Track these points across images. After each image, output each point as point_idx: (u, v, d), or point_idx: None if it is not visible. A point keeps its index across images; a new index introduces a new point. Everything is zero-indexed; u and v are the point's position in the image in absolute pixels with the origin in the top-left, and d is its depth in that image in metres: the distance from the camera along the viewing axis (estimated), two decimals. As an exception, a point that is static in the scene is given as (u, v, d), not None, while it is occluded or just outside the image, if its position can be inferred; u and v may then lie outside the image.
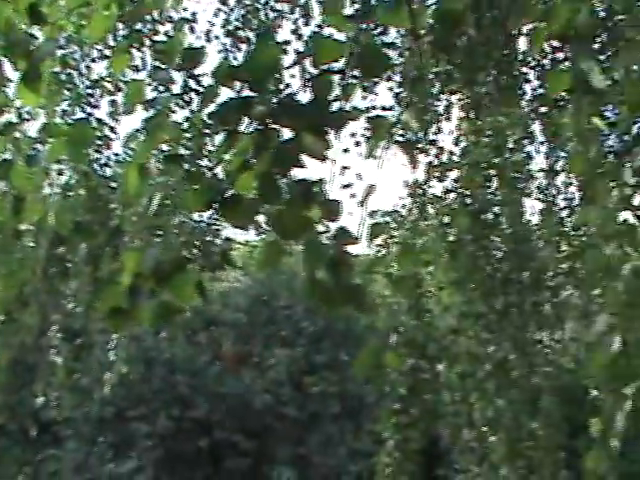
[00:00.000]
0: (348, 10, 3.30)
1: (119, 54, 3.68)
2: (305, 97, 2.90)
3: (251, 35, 9.02)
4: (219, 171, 3.04)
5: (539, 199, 8.41)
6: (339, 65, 2.90)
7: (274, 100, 2.83)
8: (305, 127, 2.73)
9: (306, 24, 8.98)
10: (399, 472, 8.59)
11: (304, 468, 15.45)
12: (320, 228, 2.95)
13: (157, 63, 7.04)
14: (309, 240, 2.86)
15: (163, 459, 14.87)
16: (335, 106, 2.95)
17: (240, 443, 15.34)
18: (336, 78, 2.94)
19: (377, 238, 5.12)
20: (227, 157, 2.87)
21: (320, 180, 2.86)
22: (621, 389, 4.08)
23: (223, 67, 2.96)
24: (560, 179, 8.38)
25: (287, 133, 2.87)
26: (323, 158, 2.80)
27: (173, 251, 3.35)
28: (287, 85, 7.59)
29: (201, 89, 8.64)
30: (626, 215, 5.37)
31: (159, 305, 3.24)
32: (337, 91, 2.97)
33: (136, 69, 8.69)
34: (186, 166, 3.37)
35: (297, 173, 2.96)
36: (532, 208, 8.43)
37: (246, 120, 2.86)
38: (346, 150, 8.11)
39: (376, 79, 7.55)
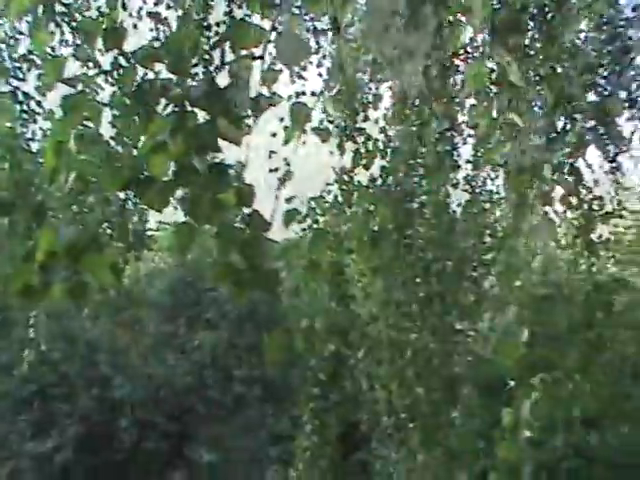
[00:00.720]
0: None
1: (37, 30, 3.63)
2: (224, 81, 2.90)
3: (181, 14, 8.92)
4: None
5: (465, 190, 8.47)
6: (259, 51, 2.90)
7: (192, 83, 2.82)
8: (221, 111, 2.72)
9: (239, 7, 8.91)
10: (318, 456, 8.64)
11: (225, 451, 15.44)
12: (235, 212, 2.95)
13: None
14: (222, 224, 2.86)
15: (83, 439, 14.75)
16: (255, 91, 2.95)
17: (161, 424, 15.28)
18: (257, 63, 2.94)
19: (291, 224, 5.13)
20: (143, 138, 2.86)
21: (236, 164, 2.86)
22: (529, 380, 4.16)
23: (143, 48, 2.94)
24: (486, 171, 8.44)
25: (204, 116, 2.86)
26: (239, 143, 2.80)
27: (89, 230, 3.33)
28: (216, 68, 7.55)
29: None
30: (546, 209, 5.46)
31: (73, 285, 3.22)
32: (258, 76, 2.98)
33: (66, 43, 8.57)
34: (110, 144, 3.34)
35: (215, 156, 2.96)
36: (458, 199, 8.48)
37: (164, 102, 2.85)
38: (274, 135, 8.08)
39: (301, 65, 7.55)
